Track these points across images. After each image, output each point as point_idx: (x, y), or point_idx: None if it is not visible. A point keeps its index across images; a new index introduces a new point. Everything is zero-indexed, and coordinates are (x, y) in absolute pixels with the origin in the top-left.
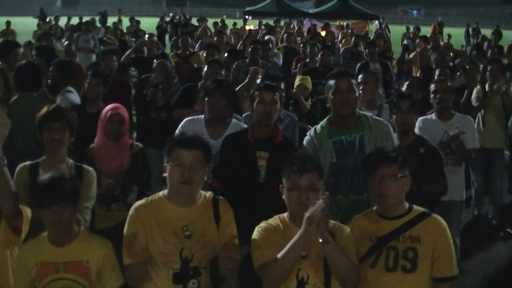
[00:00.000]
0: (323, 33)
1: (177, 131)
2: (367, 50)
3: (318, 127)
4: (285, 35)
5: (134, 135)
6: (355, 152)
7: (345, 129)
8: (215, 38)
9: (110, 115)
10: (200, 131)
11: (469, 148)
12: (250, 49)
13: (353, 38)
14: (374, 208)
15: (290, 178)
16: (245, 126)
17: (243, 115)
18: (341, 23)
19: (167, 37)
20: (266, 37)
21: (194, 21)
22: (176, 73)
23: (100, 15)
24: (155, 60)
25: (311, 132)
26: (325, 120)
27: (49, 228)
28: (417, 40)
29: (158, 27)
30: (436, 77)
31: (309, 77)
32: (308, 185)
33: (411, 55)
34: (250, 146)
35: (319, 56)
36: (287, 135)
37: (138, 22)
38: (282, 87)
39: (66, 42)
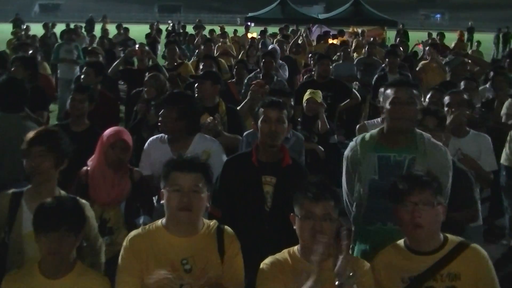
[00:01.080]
0: (335, 41)
1: (142, 154)
2: (387, 60)
3: (367, 135)
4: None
5: None
6: (402, 173)
7: (396, 146)
8: (202, 47)
9: (113, 142)
10: (163, 149)
11: (487, 171)
12: (262, 63)
13: (366, 47)
14: (402, 241)
15: (303, 206)
16: (214, 140)
17: (244, 133)
18: (355, 29)
19: (159, 47)
20: (270, 47)
21: (190, 29)
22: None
23: (86, 22)
24: (147, 74)
25: (357, 139)
26: (376, 130)
27: (45, 257)
28: (427, 48)
29: (148, 35)
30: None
31: (319, 92)
32: (324, 214)
33: (421, 63)
34: (254, 170)
35: (317, 66)
36: (292, 157)
37: (127, 29)
38: (291, 103)
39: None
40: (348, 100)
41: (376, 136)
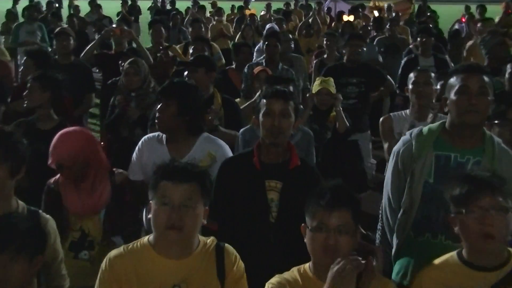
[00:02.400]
0: (350, 18)
1: (134, 154)
2: (418, 40)
3: (425, 129)
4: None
5: None
6: None
7: (460, 145)
8: (190, 29)
9: (53, 162)
10: (160, 150)
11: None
12: (265, 46)
13: (388, 24)
14: (455, 254)
15: (315, 215)
16: (221, 141)
17: (240, 130)
18: (378, 3)
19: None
20: (268, 26)
21: (181, 5)
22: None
23: None
24: (123, 62)
25: (413, 132)
26: (437, 124)
27: None
28: (478, 25)
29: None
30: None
31: (331, 79)
32: (339, 225)
33: (468, 45)
34: (256, 174)
35: (348, 48)
36: (299, 155)
37: (99, 6)
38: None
39: None
40: (382, 89)
41: (436, 131)
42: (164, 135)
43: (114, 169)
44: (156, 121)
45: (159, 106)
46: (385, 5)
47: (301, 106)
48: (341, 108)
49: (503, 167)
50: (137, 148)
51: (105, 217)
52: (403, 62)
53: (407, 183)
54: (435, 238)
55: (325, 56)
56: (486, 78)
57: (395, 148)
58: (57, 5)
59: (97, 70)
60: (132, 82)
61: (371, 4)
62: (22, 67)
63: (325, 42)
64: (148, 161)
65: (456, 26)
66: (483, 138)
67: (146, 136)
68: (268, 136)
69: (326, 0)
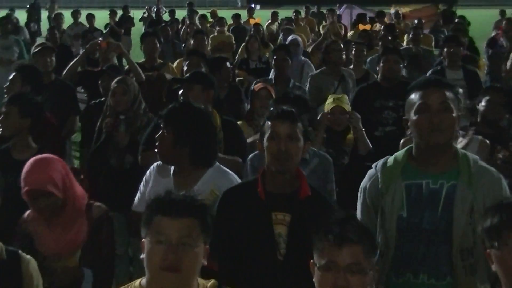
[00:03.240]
0: (366, 27)
1: (141, 185)
2: (445, 51)
3: (390, 159)
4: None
5: None
6: (438, 208)
7: (430, 169)
8: (192, 41)
9: (27, 193)
10: (165, 182)
11: None
12: (274, 60)
13: (411, 33)
14: None
15: (324, 252)
16: (233, 175)
17: (249, 156)
18: (400, 9)
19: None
20: (290, 38)
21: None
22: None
23: (29, 7)
24: (113, 81)
25: (378, 164)
26: (403, 151)
27: None
28: None
29: (106, 26)
30: None
31: (346, 96)
32: (350, 264)
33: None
34: (261, 206)
35: (382, 63)
36: (315, 185)
37: (92, 17)
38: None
39: None
40: None
41: (402, 159)
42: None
43: (91, 201)
44: (155, 150)
45: (159, 133)
46: (392, 11)
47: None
48: (362, 129)
49: (483, 188)
50: (144, 177)
51: (80, 257)
52: (428, 74)
53: (378, 222)
54: (417, 278)
55: (351, 67)
56: (448, 93)
57: (362, 185)
58: (36, 26)
59: (82, 90)
60: (121, 103)
61: (392, 10)
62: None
63: (354, 53)
64: (151, 192)
65: (494, 33)
66: (456, 158)
67: (155, 164)
68: (274, 162)
69: (341, 7)
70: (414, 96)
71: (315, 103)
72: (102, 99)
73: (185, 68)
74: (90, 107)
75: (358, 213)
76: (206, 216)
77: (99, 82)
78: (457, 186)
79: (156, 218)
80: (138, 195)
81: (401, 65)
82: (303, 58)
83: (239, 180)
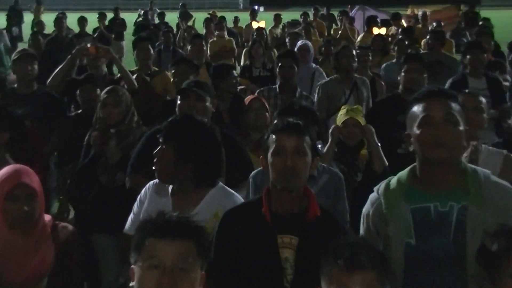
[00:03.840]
0: (381, 31)
1: (135, 205)
2: (467, 58)
3: (393, 180)
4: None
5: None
6: (449, 234)
7: (437, 190)
8: (188, 47)
9: (9, 190)
10: (162, 203)
11: None
12: (278, 68)
13: (428, 37)
14: None
15: (333, 278)
16: (238, 196)
17: (252, 173)
18: (416, 11)
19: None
20: (300, 43)
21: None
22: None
23: (9, 10)
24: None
25: (380, 188)
26: (406, 171)
27: None
28: None
29: (95, 30)
30: None
31: (360, 107)
32: None
33: None
34: (266, 228)
35: (403, 73)
36: (325, 204)
37: (84, 20)
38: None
39: None
40: None
41: (406, 180)
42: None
43: (53, 221)
44: (154, 167)
45: (157, 149)
46: (419, 13)
47: None
48: (378, 143)
49: (496, 207)
50: (139, 196)
51: (47, 285)
52: (449, 83)
53: (384, 250)
54: None
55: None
56: (453, 104)
57: (364, 210)
58: (17, 30)
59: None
60: (112, 115)
61: (408, 12)
62: None
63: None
64: (146, 214)
65: None
66: (465, 176)
67: (151, 182)
68: (279, 179)
69: (353, 8)
70: (416, 109)
71: (325, 113)
72: (79, 111)
73: (172, 78)
74: (66, 121)
75: None
76: (204, 239)
77: (77, 92)
78: (468, 208)
79: (148, 241)
80: (131, 216)
81: (425, 75)
82: (313, 65)
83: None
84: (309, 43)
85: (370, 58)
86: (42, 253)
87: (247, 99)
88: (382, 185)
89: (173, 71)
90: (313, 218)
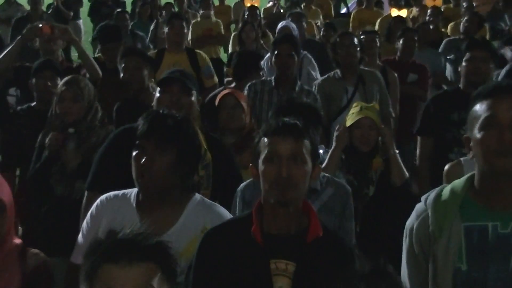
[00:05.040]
0: (402, 13)
1: (84, 223)
2: None
3: (446, 190)
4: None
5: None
6: (509, 261)
7: (499, 207)
8: (166, 30)
9: None
10: (129, 221)
11: None
12: (275, 56)
13: (465, 19)
14: None
15: None
16: (222, 208)
17: (240, 186)
18: None
19: (82, 26)
20: (280, 25)
21: None
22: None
23: None
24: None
25: (429, 197)
26: (463, 180)
27: None
28: None
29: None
30: None
31: (376, 105)
32: None
33: None
34: (256, 251)
35: (465, 63)
36: (329, 223)
37: None
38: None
39: None
40: None
41: (461, 192)
42: (135, 196)
43: (22, 246)
44: (138, 177)
45: (140, 152)
46: None
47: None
48: (396, 151)
49: None
50: (89, 215)
51: None
52: (503, 71)
53: (430, 274)
54: None
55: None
56: None
57: (408, 224)
58: None
59: (14, 92)
60: (71, 111)
61: None
62: None
63: (402, 44)
64: (104, 231)
65: None
66: None
67: (104, 197)
68: (273, 192)
69: None
70: (479, 108)
71: (325, 118)
72: (32, 104)
73: (122, 74)
74: (14, 115)
75: (404, 262)
76: (170, 259)
77: (30, 81)
78: None
79: (102, 268)
80: (79, 241)
81: (492, 65)
82: (303, 52)
83: (225, 213)
84: (292, 24)
85: (378, 44)
86: (4, 281)
87: (221, 94)
88: (432, 194)
89: (123, 65)
90: (313, 240)
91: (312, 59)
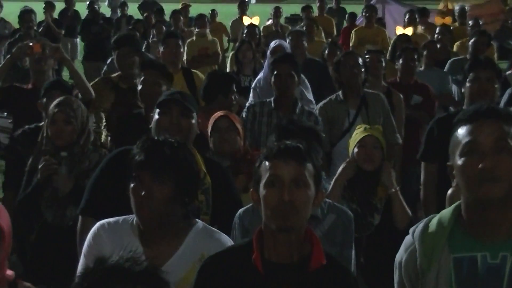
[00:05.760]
0: (407, 31)
1: (82, 254)
2: None
3: (434, 221)
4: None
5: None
6: None
7: (487, 236)
8: (161, 49)
9: None
10: (128, 247)
11: None
12: (273, 76)
13: (472, 39)
14: None
15: None
16: (224, 236)
17: (238, 212)
18: (449, 5)
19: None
20: (273, 44)
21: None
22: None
23: None
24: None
25: (416, 229)
26: (449, 210)
27: None
28: None
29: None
30: None
31: (380, 128)
32: None
33: None
34: (257, 279)
35: (469, 83)
36: (331, 251)
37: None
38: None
39: None
40: None
41: (449, 222)
42: (135, 224)
43: (18, 279)
44: (138, 210)
45: (137, 185)
46: (457, 7)
47: None
48: (397, 189)
49: None
50: (86, 245)
51: None
52: (506, 94)
53: None
54: None
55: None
56: (507, 127)
57: (397, 257)
58: None
59: (5, 114)
60: (63, 134)
61: (440, 7)
62: None
63: (401, 62)
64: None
65: None
66: None
67: (102, 224)
68: (274, 218)
69: (369, 0)
70: (460, 133)
71: (327, 144)
72: (41, 124)
73: (140, 87)
74: (17, 139)
75: None
76: (161, 284)
77: (41, 101)
78: None
79: None
80: (80, 270)
81: (496, 85)
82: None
83: (227, 240)
84: (285, 43)
85: (384, 64)
86: None
87: (214, 116)
88: (419, 226)
89: (141, 78)
90: (316, 268)
91: (306, 81)
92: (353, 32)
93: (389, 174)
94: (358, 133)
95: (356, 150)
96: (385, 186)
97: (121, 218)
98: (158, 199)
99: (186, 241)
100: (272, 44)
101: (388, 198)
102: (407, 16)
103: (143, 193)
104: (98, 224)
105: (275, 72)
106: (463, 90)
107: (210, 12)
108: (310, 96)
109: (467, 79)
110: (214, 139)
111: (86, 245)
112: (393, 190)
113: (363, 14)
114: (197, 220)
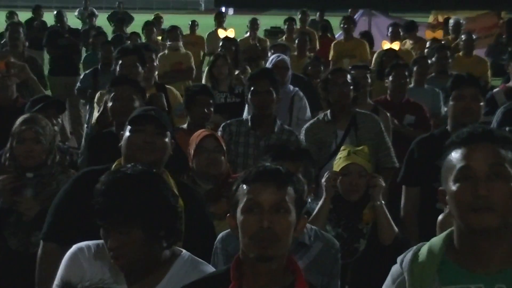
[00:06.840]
0: (394, 46)
1: (58, 277)
2: None
3: (423, 250)
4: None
5: None
6: None
7: (479, 268)
8: (119, 67)
9: None
10: (115, 280)
11: None
12: (250, 93)
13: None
14: None
15: None
16: (209, 266)
17: (220, 236)
18: (440, 17)
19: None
20: (276, 58)
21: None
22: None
23: None
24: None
25: (405, 259)
26: (440, 238)
27: None
28: None
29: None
30: None
31: (366, 148)
32: None
33: None
34: None
35: (452, 101)
36: (318, 283)
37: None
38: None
39: None
40: None
41: (439, 251)
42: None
43: None
44: (113, 259)
45: (105, 234)
46: (451, 20)
47: None
48: (383, 202)
49: None
50: (63, 267)
51: None
52: (499, 114)
53: None
54: None
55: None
56: (503, 151)
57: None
58: None
59: None
60: (32, 154)
61: (431, 20)
62: None
63: (391, 79)
64: None
65: None
66: None
67: (79, 247)
68: (253, 246)
69: (357, 12)
70: (453, 157)
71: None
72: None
73: (110, 103)
74: None
75: None
76: None
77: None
78: None
79: None
80: None
81: (482, 103)
82: (291, 87)
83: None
84: (287, 59)
85: (369, 80)
86: None
87: (196, 134)
88: (408, 255)
89: (112, 94)
90: None
91: (304, 98)
92: (332, 45)
93: (380, 190)
94: (341, 159)
95: (339, 178)
96: (372, 198)
97: (100, 242)
98: (130, 247)
99: (170, 273)
100: (274, 58)
101: (374, 223)
102: (389, 30)
103: (113, 243)
104: (75, 247)
105: (252, 89)
106: (445, 109)
107: (190, 23)
108: (306, 112)
109: (450, 97)
110: (199, 160)
111: (62, 269)
112: (378, 202)
113: (341, 26)
114: (182, 250)
